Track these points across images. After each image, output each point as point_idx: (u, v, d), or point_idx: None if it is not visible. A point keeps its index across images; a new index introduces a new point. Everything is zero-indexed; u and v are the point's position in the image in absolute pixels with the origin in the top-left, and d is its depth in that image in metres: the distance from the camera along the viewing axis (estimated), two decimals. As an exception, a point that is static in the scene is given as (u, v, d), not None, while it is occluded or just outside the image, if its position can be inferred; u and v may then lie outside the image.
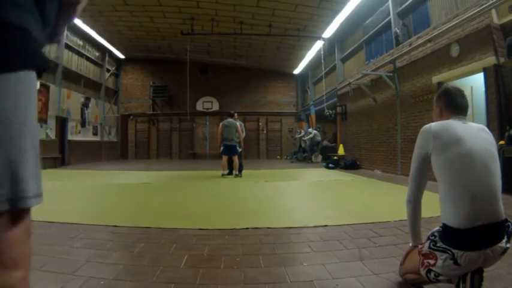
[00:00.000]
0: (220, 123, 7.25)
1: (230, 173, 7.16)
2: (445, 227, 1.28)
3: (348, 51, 10.65)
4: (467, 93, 1.63)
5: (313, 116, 13.52)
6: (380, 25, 8.29)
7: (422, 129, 1.43)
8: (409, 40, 6.83)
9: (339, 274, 1.67)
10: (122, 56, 14.79)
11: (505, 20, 4.44)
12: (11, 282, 0.48)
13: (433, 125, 1.39)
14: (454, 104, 1.44)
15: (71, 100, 11.21)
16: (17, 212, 0.50)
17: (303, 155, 11.44)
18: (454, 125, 1.35)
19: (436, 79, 5.85)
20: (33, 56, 0.55)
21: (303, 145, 11.40)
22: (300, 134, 13.11)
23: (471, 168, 1.25)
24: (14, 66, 0.51)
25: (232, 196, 4.45)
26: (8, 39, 0.51)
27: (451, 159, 1.27)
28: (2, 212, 0.48)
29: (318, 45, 11.43)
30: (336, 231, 2.51)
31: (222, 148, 7.04)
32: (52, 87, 9.93)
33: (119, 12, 9.93)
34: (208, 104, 15.45)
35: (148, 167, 10.32)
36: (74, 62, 11.74)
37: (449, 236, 1.24)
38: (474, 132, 1.33)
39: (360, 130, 9.44)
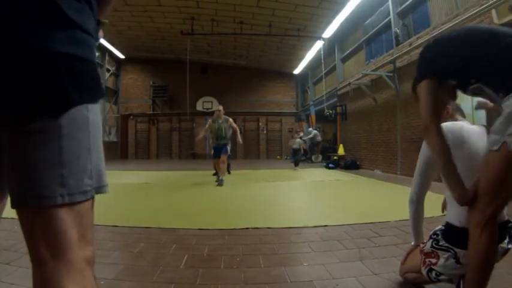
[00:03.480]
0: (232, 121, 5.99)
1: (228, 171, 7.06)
2: (448, 225, 1.28)
3: (348, 51, 10.65)
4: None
5: (313, 116, 13.50)
6: (380, 25, 8.29)
7: None
8: (409, 40, 6.83)
9: (339, 274, 1.67)
10: (122, 56, 14.76)
11: (505, 20, 4.43)
12: (92, 254, 0.61)
13: (442, 125, 1.40)
14: (460, 107, 1.48)
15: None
16: (93, 200, 0.63)
17: (298, 158, 10.09)
18: (462, 126, 1.36)
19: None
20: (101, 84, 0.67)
21: (294, 146, 10.26)
22: (300, 134, 12.86)
23: (476, 169, 1.25)
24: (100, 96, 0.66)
25: (232, 196, 4.45)
26: (92, 73, 0.62)
27: (457, 160, 1.27)
28: (90, 198, 0.61)
29: (318, 45, 11.42)
30: (336, 231, 2.51)
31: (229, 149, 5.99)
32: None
33: (119, 12, 9.91)
34: (208, 104, 15.43)
35: (149, 167, 10.31)
36: (74, 62, 11.75)
37: (452, 235, 1.24)
38: (477, 133, 1.34)
39: (360, 130, 9.44)
